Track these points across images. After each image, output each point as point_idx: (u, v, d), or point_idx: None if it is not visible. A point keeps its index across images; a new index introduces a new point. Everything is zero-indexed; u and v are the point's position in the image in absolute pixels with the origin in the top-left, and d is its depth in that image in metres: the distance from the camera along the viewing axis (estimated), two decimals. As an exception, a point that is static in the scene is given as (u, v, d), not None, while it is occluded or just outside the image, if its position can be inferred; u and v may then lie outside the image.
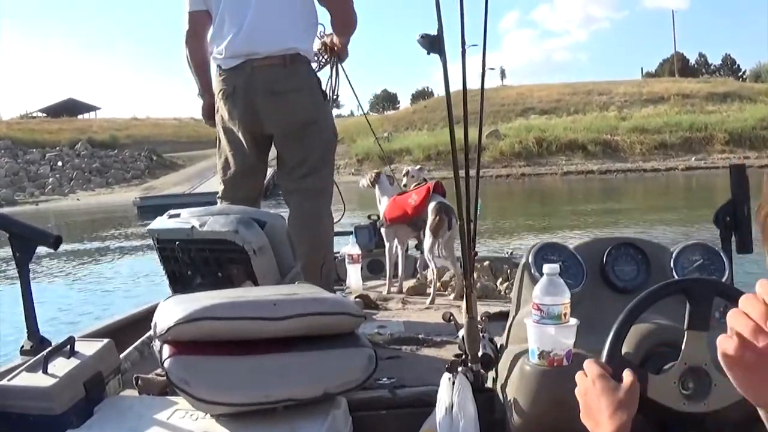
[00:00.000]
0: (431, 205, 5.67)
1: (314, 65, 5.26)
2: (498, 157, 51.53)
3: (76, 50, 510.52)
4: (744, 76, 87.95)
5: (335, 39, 5.37)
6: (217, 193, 5.24)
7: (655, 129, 54.27)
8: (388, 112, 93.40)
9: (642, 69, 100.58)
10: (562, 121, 59.27)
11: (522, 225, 22.27)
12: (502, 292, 5.78)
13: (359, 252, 6.47)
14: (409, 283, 6.28)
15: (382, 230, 6.42)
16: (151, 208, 26.76)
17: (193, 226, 3.69)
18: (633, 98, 64.85)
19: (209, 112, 5.22)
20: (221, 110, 5.03)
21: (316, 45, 5.29)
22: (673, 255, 2.87)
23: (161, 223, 3.94)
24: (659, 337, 2.29)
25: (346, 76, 5.60)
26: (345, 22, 5.23)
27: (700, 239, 2.98)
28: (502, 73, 78.29)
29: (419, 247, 6.28)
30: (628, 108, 62.48)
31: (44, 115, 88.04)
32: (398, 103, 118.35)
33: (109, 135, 69.00)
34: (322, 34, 5.34)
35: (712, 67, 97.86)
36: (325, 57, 5.44)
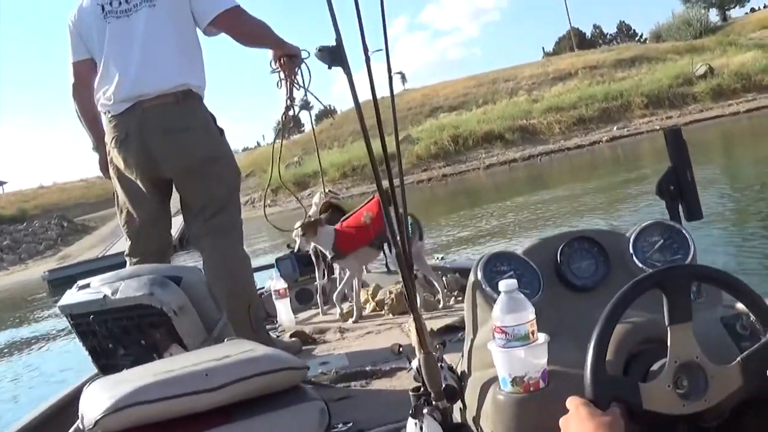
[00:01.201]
0: None
1: (276, 76, 5.33)
2: (415, 161, 51.68)
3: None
4: (643, 39, 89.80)
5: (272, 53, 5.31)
6: (125, 253, 5.12)
7: (570, 105, 54.78)
8: (294, 137, 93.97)
9: (543, 49, 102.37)
10: (474, 114, 59.65)
11: (455, 231, 22.01)
12: (441, 302, 5.76)
13: (285, 285, 6.41)
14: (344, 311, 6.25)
15: (339, 263, 6.19)
16: (62, 280, 26.57)
17: (105, 296, 3.53)
18: (540, 79, 65.57)
19: (106, 164, 5.12)
20: (115, 159, 4.92)
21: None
22: (631, 240, 2.77)
23: (71, 297, 3.77)
24: (639, 335, 2.18)
25: (310, 77, 5.47)
26: (249, 33, 5.17)
27: (655, 218, 2.88)
28: (403, 78, 79.01)
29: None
30: (538, 89, 63.14)
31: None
32: (303, 125, 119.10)
33: (17, 208, 68.30)
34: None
35: (608, 36, 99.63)
36: (279, 65, 5.34)
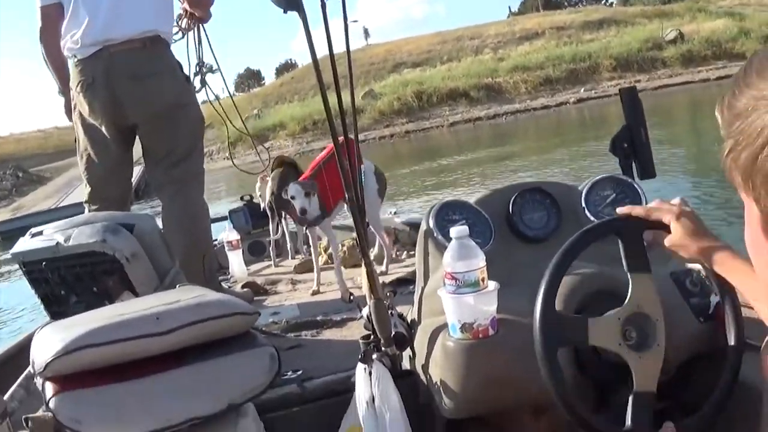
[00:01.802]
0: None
1: (175, 30, 5.24)
2: (378, 117, 51.59)
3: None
4: (610, 2, 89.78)
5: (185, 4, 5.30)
6: (84, 200, 5.10)
7: (537, 65, 54.88)
8: (254, 90, 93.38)
9: (510, 8, 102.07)
10: (438, 71, 59.47)
11: (414, 186, 22.10)
12: (393, 255, 5.79)
13: (238, 237, 6.45)
14: (295, 262, 6.35)
15: (320, 225, 5.39)
16: (12, 233, 25.99)
17: (57, 242, 3.52)
18: (506, 38, 65.61)
19: (71, 109, 5.08)
20: (80, 104, 4.91)
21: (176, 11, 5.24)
22: (583, 193, 2.82)
23: (24, 244, 3.75)
24: (591, 286, 2.25)
25: (209, 42, 5.52)
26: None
27: (609, 172, 2.92)
28: (366, 32, 79.05)
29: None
30: (503, 48, 63.15)
31: None
32: (263, 79, 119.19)
33: None
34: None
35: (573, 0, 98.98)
36: (187, 22, 5.35)
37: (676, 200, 2.06)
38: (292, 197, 4.78)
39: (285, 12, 2.62)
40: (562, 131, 33.45)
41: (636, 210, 2.03)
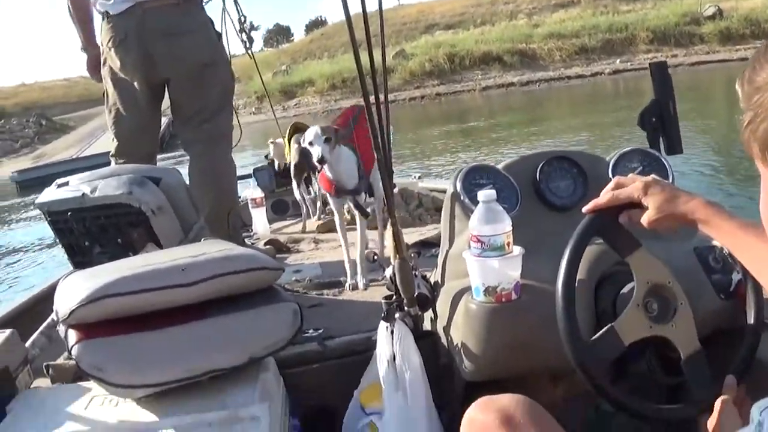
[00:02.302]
0: None
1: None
2: (408, 78, 50.71)
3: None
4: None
5: None
6: (110, 152, 5.15)
7: (573, 33, 53.70)
8: (283, 46, 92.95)
9: None
10: (471, 34, 58.51)
11: (444, 150, 22.07)
12: (417, 219, 5.87)
13: (262, 195, 6.55)
14: (318, 222, 6.42)
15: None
16: (32, 182, 25.80)
17: (83, 193, 3.55)
18: (541, 4, 64.63)
19: (95, 65, 5.14)
20: (111, 60, 4.93)
21: None
22: (610, 164, 2.85)
23: (49, 194, 3.78)
24: (611, 257, 2.22)
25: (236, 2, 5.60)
26: None
27: (638, 145, 2.94)
28: None
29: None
30: (538, 14, 62.06)
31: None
32: (292, 35, 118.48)
33: None
34: None
35: None
36: None
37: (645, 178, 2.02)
38: (310, 143, 4.47)
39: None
40: (596, 102, 33.15)
41: (602, 200, 2.01)
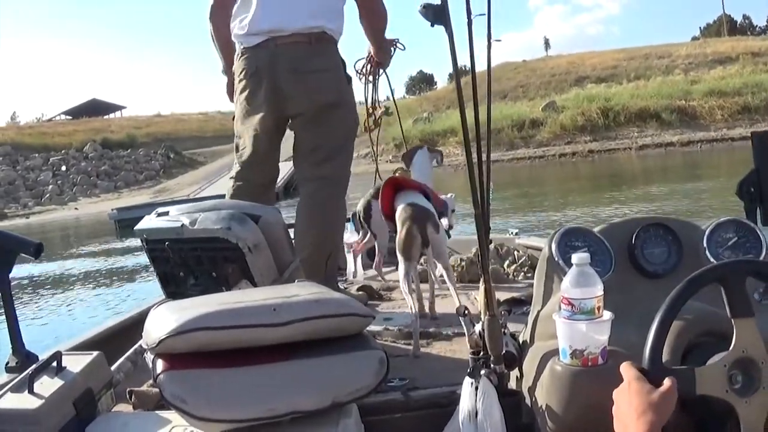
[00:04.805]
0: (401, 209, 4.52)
1: (359, 78, 5.53)
2: (559, 132, 49.71)
3: (100, 48, 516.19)
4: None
5: (372, 49, 5.52)
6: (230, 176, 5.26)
7: (734, 91, 51.44)
8: (426, 93, 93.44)
9: (701, 28, 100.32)
10: (624, 88, 57.00)
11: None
12: (510, 276, 5.81)
13: (361, 240, 6.38)
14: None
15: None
16: (133, 222, 25.62)
17: (183, 225, 3.60)
18: (697, 59, 62.94)
19: (233, 89, 5.22)
20: (242, 91, 5.02)
21: (359, 64, 5.59)
22: (706, 234, 2.81)
23: (149, 222, 3.85)
24: (701, 326, 2.20)
25: (389, 82, 5.80)
26: (371, 9, 5.24)
27: (735, 216, 2.90)
28: (546, 43, 78.39)
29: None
30: (695, 70, 60.32)
31: (69, 117, 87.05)
32: (435, 83, 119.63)
33: (126, 134, 68.30)
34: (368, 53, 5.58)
35: (757, 28, 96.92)
36: (369, 68, 5.61)
37: None
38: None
39: (432, 25, 2.68)
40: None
41: None
